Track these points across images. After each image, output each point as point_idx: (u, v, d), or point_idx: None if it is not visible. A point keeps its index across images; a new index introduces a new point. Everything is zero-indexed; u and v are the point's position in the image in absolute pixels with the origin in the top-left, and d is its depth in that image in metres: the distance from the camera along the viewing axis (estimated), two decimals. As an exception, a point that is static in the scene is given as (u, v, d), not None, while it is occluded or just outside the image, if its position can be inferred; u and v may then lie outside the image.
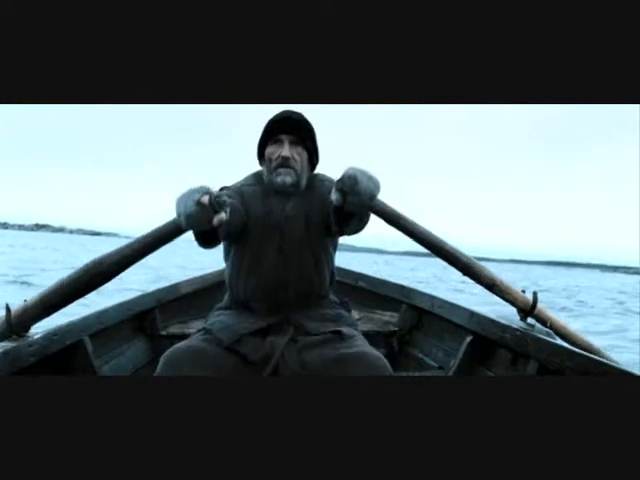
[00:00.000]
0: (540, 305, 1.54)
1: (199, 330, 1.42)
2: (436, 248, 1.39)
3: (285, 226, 1.42)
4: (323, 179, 1.51)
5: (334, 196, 1.17)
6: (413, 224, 1.33)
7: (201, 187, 1.11)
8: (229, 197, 1.23)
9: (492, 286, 1.45)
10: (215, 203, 1.08)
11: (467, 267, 1.42)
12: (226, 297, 1.56)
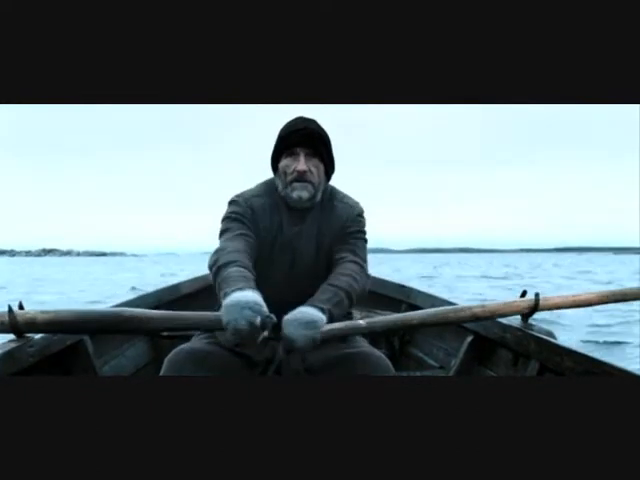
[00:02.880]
0: (542, 300, 1.52)
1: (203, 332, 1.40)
2: (405, 326, 1.44)
3: (297, 246, 1.39)
4: (342, 200, 1.47)
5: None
6: (370, 324, 1.30)
7: (255, 303, 1.09)
8: (243, 220, 1.35)
9: (477, 319, 1.43)
10: (264, 324, 1.09)
11: (443, 321, 1.42)
12: None
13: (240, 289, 1.14)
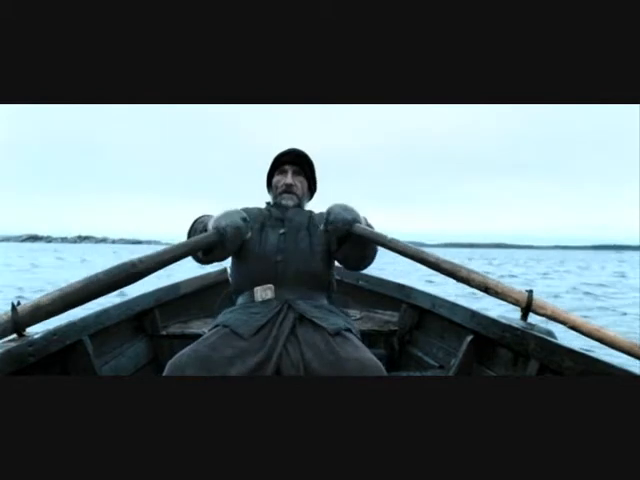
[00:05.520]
0: (538, 301, 1.52)
1: (213, 327, 1.47)
2: (419, 259, 1.47)
3: (286, 217, 1.64)
4: (321, 214, 1.69)
5: (321, 225, 1.51)
6: (392, 241, 1.46)
7: (238, 210, 1.49)
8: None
9: (486, 289, 1.43)
10: (248, 222, 1.48)
11: (452, 273, 1.44)
12: (239, 300, 1.64)
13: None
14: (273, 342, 1.36)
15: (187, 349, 1.32)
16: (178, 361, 1.28)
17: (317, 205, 1.80)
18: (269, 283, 1.54)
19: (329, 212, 1.46)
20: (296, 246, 1.58)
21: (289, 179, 1.67)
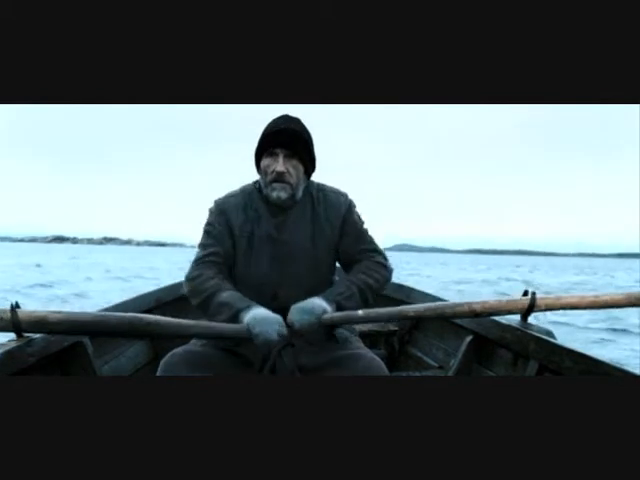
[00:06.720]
0: (540, 300, 1.50)
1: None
2: (401, 317, 1.45)
3: (278, 236, 1.43)
4: (332, 191, 1.51)
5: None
6: (367, 314, 1.37)
7: (279, 319, 1.27)
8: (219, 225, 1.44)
9: (477, 315, 1.42)
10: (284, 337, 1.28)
11: (439, 315, 1.42)
12: None
13: (256, 306, 1.29)
14: (267, 348, 1.32)
15: (179, 349, 1.31)
16: (170, 359, 1.27)
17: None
18: (264, 306, 1.37)
19: (292, 323, 1.29)
20: (294, 275, 1.41)
21: (280, 166, 1.36)
